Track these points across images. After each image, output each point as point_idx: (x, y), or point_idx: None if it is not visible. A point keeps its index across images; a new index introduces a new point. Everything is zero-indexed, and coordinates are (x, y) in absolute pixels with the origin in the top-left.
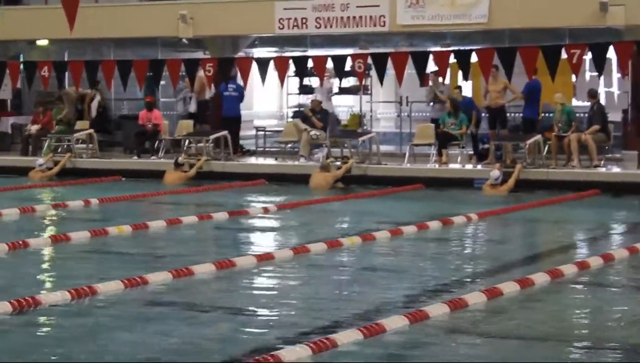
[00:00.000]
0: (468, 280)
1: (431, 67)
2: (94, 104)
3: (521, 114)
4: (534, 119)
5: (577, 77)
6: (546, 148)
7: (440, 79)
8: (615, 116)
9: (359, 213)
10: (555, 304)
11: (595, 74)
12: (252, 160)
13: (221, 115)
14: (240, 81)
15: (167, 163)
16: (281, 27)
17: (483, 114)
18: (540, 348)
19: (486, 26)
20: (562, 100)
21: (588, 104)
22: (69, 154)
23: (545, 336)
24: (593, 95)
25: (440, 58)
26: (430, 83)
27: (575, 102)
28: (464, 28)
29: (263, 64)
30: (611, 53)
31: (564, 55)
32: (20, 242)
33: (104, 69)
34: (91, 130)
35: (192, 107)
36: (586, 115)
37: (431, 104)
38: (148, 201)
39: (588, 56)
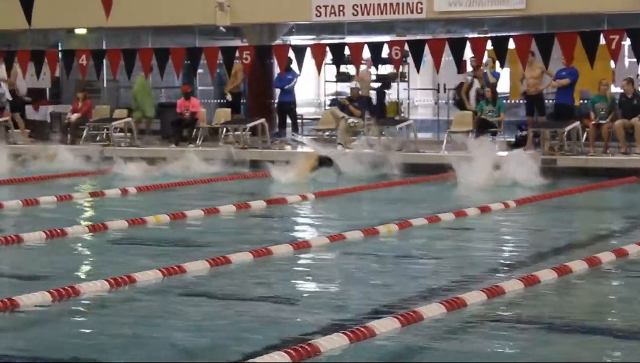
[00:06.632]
0: (505, 267)
1: (468, 54)
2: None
3: (553, 101)
4: (569, 106)
5: (616, 63)
6: (584, 135)
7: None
8: None
9: (396, 201)
10: (592, 292)
11: (634, 60)
12: (290, 148)
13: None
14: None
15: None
16: (318, 14)
17: (521, 101)
18: (576, 336)
19: (524, 12)
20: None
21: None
22: (107, 142)
23: (581, 325)
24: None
25: (478, 45)
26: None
27: (613, 89)
28: (502, 14)
29: (300, 51)
30: None
31: (602, 42)
32: (58, 231)
33: (142, 57)
34: (129, 119)
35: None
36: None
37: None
38: (186, 190)
39: (627, 42)
